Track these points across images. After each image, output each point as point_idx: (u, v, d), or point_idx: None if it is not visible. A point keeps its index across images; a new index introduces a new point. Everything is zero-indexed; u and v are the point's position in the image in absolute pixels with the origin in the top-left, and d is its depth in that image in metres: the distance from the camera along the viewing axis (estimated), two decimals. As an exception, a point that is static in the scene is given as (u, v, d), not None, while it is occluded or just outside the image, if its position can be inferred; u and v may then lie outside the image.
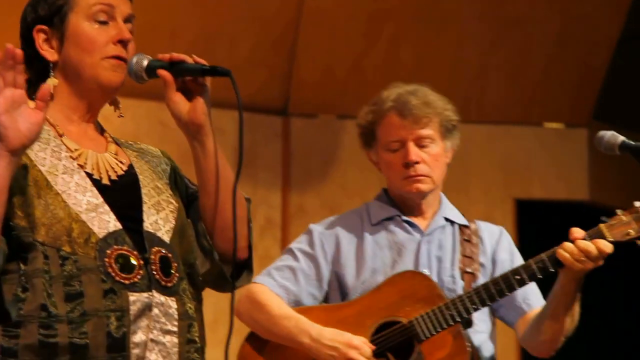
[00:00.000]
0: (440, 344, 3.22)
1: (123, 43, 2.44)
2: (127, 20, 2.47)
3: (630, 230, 3.11)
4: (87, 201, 2.34)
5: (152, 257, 2.36)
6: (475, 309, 3.21)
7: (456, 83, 5.98)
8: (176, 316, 2.36)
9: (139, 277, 2.33)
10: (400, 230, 3.41)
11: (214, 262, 2.50)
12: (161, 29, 5.35)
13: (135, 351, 2.30)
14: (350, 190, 5.80)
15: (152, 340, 2.32)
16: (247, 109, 5.31)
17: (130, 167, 2.48)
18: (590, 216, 6.22)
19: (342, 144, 5.74)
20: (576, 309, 3.25)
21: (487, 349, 3.37)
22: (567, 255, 3.10)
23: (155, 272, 2.35)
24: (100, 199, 2.36)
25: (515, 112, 6.22)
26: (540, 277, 3.19)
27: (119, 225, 2.35)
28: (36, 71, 2.45)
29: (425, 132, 3.35)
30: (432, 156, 3.36)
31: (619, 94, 6.37)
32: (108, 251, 2.31)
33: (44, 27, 2.45)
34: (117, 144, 2.53)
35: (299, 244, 3.47)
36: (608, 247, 3.10)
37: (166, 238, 2.41)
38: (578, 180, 6.26)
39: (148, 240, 2.37)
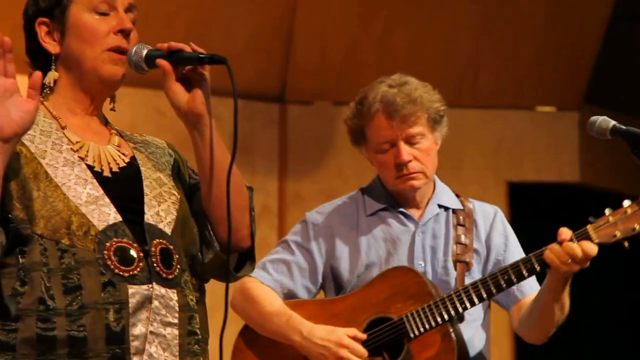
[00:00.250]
0: (429, 343, 3.24)
1: (124, 33, 2.42)
2: (128, 10, 2.46)
3: (617, 232, 3.10)
4: (87, 193, 2.33)
5: (153, 249, 2.34)
6: (464, 309, 3.22)
7: (449, 67, 6.01)
8: (177, 308, 2.35)
9: (138, 269, 2.31)
10: (395, 221, 3.40)
11: (216, 252, 2.48)
12: (155, 16, 5.36)
13: (134, 344, 2.29)
14: (347, 177, 5.81)
15: (151, 332, 2.31)
16: (244, 97, 5.34)
17: (133, 159, 2.46)
18: (581, 198, 6.29)
19: (338, 130, 5.72)
20: (565, 302, 3.25)
21: (479, 339, 3.38)
22: (553, 257, 3.11)
23: (155, 265, 2.34)
24: (100, 191, 2.35)
25: (508, 96, 6.24)
26: (528, 277, 3.20)
27: (119, 218, 2.34)
28: (40, 64, 2.44)
29: (415, 130, 3.33)
30: (423, 151, 3.34)
31: (609, 77, 6.38)
32: (107, 244, 2.30)
33: (46, 19, 2.44)
34: (120, 136, 2.51)
35: (294, 235, 3.46)
36: (593, 250, 3.10)
37: (167, 230, 2.39)
38: (569, 163, 6.29)
39: (149, 232, 2.36)
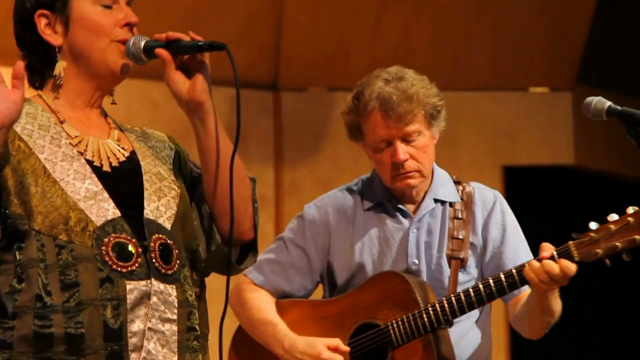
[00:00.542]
0: (411, 353, 3.25)
1: (130, 26, 2.42)
2: (128, 3, 2.45)
3: (598, 250, 3.05)
4: (86, 189, 2.32)
5: (152, 244, 2.33)
6: (447, 320, 3.22)
7: (442, 51, 6.00)
8: (176, 304, 2.34)
9: (137, 265, 2.31)
10: (391, 219, 3.38)
11: (218, 245, 2.47)
12: (145, 7, 5.33)
13: (132, 340, 2.29)
14: (343, 165, 5.80)
15: (150, 329, 2.31)
16: (237, 85, 5.31)
17: (133, 153, 2.45)
18: (576, 180, 6.28)
19: (333, 116, 5.72)
20: (554, 308, 3.22)
21: (472, 338, 3.37)
22: (532, 275, 3.09)
23: (154, 260, 2.33)
24: (99, 186, 2.33)
25: (501, 78, 6.24)
26: (509, 292, 3.18)
27: (117, 213, 2.32)
28: (39, 56, 2.42)
29: (411, 128, 3.29)
30: (419, 149, 3.30)
31: (601, 57, 6.38)
32: (105, 239, 2.29)
33: (46, 11, 2.42)
34: (120, 129, 2.50)
35: (290, 233, 3.45)
36: (571, 270, 3.07)
37: (167, 225, 2.38)
38: (563, 145, 6.29)
39: (148, 227, 2.34)
